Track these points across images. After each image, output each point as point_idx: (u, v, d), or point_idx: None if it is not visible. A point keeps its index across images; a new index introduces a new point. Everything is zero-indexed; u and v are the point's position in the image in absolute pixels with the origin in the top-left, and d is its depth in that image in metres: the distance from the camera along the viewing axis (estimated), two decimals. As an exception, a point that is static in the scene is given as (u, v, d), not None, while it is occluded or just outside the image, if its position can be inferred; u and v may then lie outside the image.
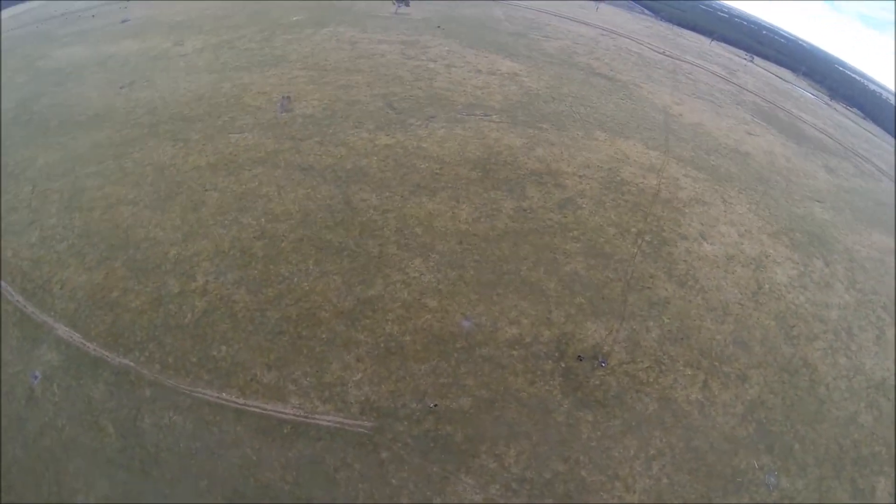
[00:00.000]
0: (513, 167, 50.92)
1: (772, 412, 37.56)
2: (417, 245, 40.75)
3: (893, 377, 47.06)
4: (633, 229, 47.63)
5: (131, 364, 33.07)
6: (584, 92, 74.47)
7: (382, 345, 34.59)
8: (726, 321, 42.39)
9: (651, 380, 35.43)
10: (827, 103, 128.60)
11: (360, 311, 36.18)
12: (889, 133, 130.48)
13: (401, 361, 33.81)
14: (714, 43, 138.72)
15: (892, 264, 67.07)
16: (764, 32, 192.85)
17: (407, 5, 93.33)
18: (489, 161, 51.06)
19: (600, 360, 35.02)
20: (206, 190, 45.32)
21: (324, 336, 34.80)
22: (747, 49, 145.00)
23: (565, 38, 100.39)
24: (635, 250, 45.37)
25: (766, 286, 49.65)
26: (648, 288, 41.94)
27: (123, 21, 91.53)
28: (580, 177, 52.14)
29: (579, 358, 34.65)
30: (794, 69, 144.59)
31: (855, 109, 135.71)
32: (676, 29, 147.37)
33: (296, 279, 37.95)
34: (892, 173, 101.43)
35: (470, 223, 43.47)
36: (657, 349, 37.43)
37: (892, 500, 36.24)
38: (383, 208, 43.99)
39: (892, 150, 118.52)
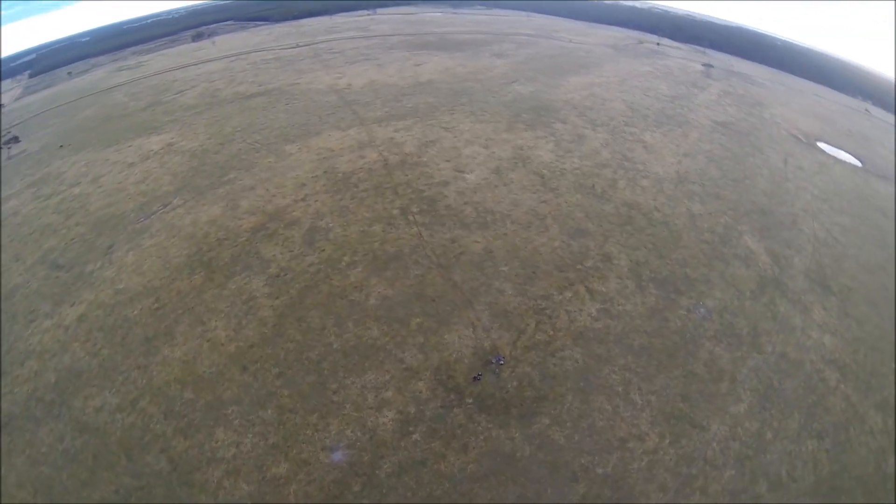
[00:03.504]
0: (231, 241, 41.66)
1: (649, 263, 38.03)
2: (202, 412, 28.36)
3: (680, 167, 55.16)
4: (395, 210, 43.54)
5: None
6: (248, 120, 68.75)
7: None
8: (548, 225, 41.59)
9: (550, 334, 31.44)
10: (454, 12, 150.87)
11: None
12: (520, 10, 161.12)
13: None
14: (333, 17, 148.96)
15: (603, 93, 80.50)
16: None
17: (18, 141, 78.96)
18: (203, 252, 40.66)
19: (494, 360, 29.52)
20: None
21: None
22: (364, 8, 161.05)
23: (199, 82, 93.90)
24: (415, 229, 41.39)
25: (545, 172, 51.49)
26: (462, 253, 38.20)
27: None
28: (304, 200, 45.77)
29: (476, 378, 28.51)
30: (412, 3, 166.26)
31: (477, 5, 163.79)
32: (294, 22, 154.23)
33: None
34: (540, 36, 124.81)
35: (236, 339, 32.70)
36: (525, 302, 33.61)
37: (763, 246, 43.74)
38: (130, 400, 29.84)
39: (526, 18, 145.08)
